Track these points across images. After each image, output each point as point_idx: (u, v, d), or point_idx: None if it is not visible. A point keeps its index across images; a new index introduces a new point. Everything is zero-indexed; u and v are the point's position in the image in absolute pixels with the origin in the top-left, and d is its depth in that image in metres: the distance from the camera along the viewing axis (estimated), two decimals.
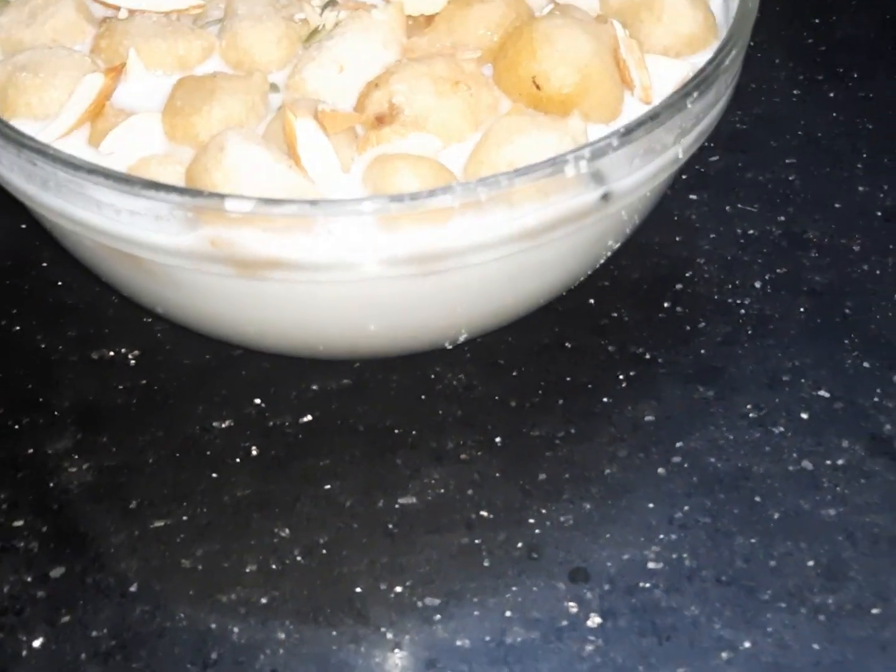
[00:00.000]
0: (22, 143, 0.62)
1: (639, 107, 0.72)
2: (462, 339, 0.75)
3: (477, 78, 0.70)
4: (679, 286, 0.87)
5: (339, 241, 0.61)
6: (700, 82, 0.66)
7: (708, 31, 0.74)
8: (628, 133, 0.63)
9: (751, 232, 0.91)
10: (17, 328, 0.84)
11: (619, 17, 0.75)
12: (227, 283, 0.65)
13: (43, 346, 0.83)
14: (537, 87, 0.69)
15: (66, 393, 0.80)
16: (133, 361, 0.82)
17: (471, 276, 0.66)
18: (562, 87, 0.68)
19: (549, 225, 0.64)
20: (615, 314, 0.85)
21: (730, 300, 0.86)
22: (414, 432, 0.77)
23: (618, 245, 0.75)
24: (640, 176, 0.66)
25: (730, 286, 0.87)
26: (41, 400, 0.80)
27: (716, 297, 0.87)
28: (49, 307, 0.85)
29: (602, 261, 0.75)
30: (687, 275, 0.88)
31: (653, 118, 0.64)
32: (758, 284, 0.87)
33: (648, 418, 0.78)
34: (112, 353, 0.82)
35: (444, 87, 0.68)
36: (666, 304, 0.86)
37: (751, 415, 0.78)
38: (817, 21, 1.14)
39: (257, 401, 0.79)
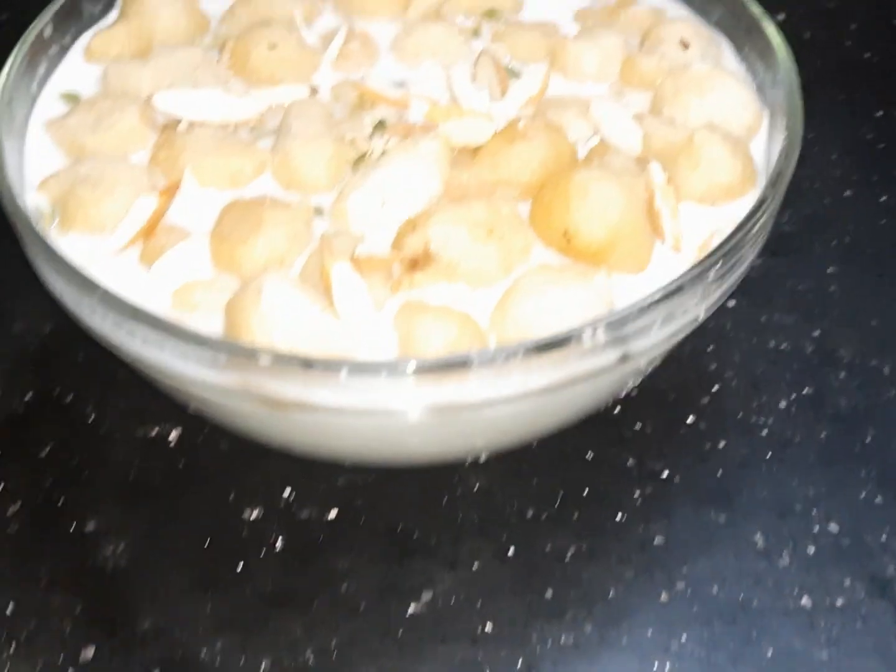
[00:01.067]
0: (88, 286, 0.66)
1: (668, 256, 0.74)
2: (482, 458, 0.78)
3: (512, 222, 0.73)
4: (705, 400, 0.90)
5: (363, 394, 0.64)
6: (727, 252, 0.68)
7: (745, 181, 0.76)
8: (649, 306, 0.66)
9: (783, 346, 0.93)
10: (69, 398, 0.89)
11: (660, 158, 0.77)
12: (256, 410, 0.69)
13: (92, 418, 0.88)
14: (568, 239, 0.71)
15: (109, 469, 0.85)
16: (173, 442, 0.86)
17: (488, 418, 0.69)
18: (591, 243, 0.71)
19: (567, 382, 0.67)
20: (639, 425, 0.88)
21: (753, 419, 0.88)
22: (432, 537, 0.81)
23: (637, 383, 0.77)
24: (659, 337, 0.68)
25: (755, 404, 0.89)
26: (86, 474, 0.84)
27: (740, 415, 0.89)
28: (101, 378, 0.90)
29: (621, 395, 0.78)
30: (714, 389, 0.90)
31: (677, 290, 0.67)
32: (783, 404, 0.89)
33: (658, 540, 0.81)
34: (155, 432, 0.87)
35: (479, 233, 0.71)
36: (690, 419, 0.88)
37: (758, 545, 0.81)
38: (880, 114, 1.13)
39: (287, 491, 0.84)
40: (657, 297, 0.66)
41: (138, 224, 0.73)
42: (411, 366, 0.63)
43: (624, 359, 0.68)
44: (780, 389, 0.90)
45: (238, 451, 0.86)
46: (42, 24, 0.85)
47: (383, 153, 0.77)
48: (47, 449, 0.85)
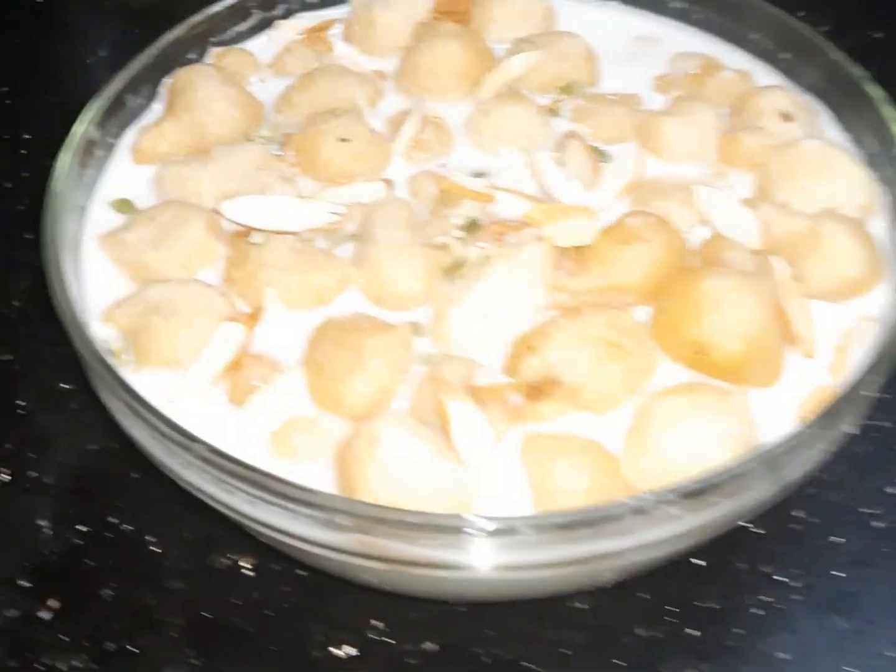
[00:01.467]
0: (185, 440, 0.60)
1: (801, 363, 0.68)
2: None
3: (635, 335, 0.66)
4: (812, 490, 0.83)
5: (504, 552, 0.58)
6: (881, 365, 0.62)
7: (873, 273, 0.70)
8: (808, 435, 0.60)
9: (885, 424, 0.87)
10: (129, 528, 0.81)
11: (781, 251, 0.71)
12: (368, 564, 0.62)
13: (156, 549, 0.80)
14: (700, 354, 0.65)
15: (181, 608, 0.77)
16: (249, 572, 0.79)
17: (625, 560, 0.63)
18: (727, 358, 0.64)
19: (721, 519, 0.61)
20: (745, 522, 0.81)
21: (861, 509, 0.82)
22: (540, 664, 0.74)
23: None
24: (807, 458, 0.62)
25: (861, 491, 0.83)
26: (155, 618, 0.77)
27: (850, 503, 0.82)
28: (159, 504, 0.82)
29: None
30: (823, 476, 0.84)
31: (832, 415, 0.60)
32: (890, 489, 0.83)
33: (782, 655, 0.75)
34: (227, 561, 0.80)
35: (601, 352, 0.64)
36: (798, 513, 0.82)
37: (887, 652, 0.74)
38: None
39: (377, 622, 0.77)
40: (816, 425, 0.60)
41: (224, 357, 0.66)
42: (558, 520, 0.56)
43: (779, 488, 0.61)
44: (887, 473, 0.83)
45: (321, 581, 0.78)
46: (87, 122, 0.77)
47: (482, 260, 0.70)
48: (109, 591, 0.77)
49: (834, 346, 0.68)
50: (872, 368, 0.63)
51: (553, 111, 0.82)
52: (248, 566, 0.79)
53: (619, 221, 0.71)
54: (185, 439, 0.60)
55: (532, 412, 0.63)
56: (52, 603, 0.77)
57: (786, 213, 0.72)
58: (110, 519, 0.81)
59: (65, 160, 0.74)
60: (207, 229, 0.73)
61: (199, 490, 0.62)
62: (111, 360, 0.66)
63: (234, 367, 0.67)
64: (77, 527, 0.81)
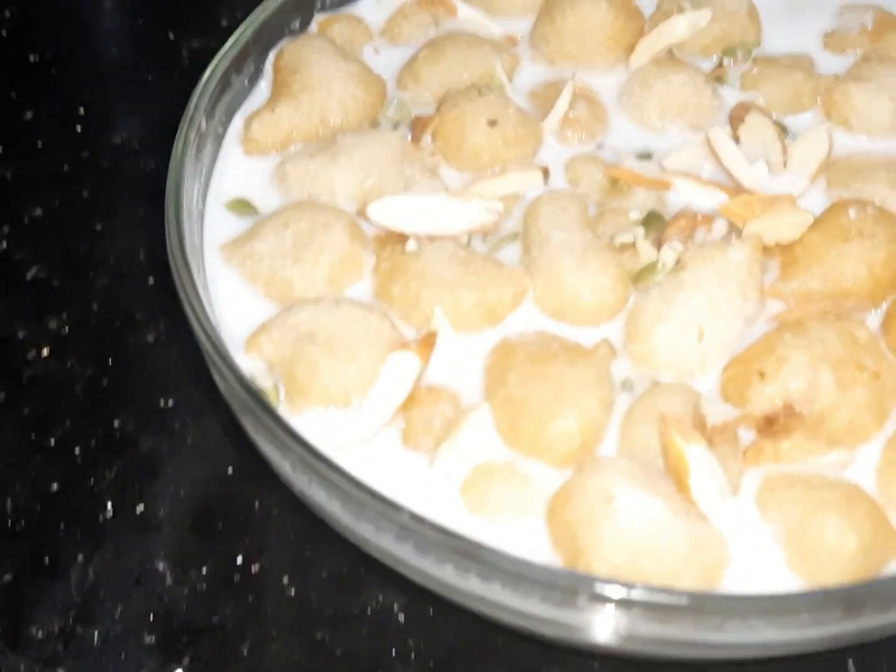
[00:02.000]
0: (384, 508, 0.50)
1: None
2: None
3: (874, 349, 0.57)
4: None
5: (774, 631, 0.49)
6: None
7: None
8: None
9: None
10: (259, 567, 0.72)
11: None
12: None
13: (293, 592, 0.71)
14: None
15: (333, 663, 0.68)
16: (402, 615, 0.70)
17: None
18: None
19: None
20: None
21: None
22: None
23: None
24: None
25: None
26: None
27: None
28: (290, 537, 0.73)
29: None
30: None
31: None
32: None
33: None
34: (375, 603, 0.70)
35: (846, 374, 0.55)
36: None
37: None
38: None
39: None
40: None
41: (400, 393, 0.56)
42: (844, 595, 0.47)
43: None
44: None
45: (484, 621, 0.69)
46: (196, 108, 0.66)
47: (677, 263, 0.60)
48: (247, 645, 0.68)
49: None
50: None
51: (719, 79, 0.72)
52: (400, 609, 0.70)
53: (832, 212, 0.61)
54: (382, 505, 0.50)
55: (774, 451, 0.53)
56: (185, 660, 0.67)
57: None
58: (237, 558, 0.71)
59: (181, 157, 0.63)
60: (352, 236, 0.63)
61: (395, 559, 0.52)
62: (268, 402, 0.56)
63: (409, 404, 0.57)
64: (202, 569, 0.71)
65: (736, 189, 0.65)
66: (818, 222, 0.61)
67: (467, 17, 0.75)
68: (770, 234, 0.61)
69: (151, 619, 0.69)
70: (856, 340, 0.56)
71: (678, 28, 0.71)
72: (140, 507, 0.74)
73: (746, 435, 0.56)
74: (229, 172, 0.68)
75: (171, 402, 0.77)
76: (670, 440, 0.53)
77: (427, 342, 0.58)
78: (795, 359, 0.55)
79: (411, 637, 0.69)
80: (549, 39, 0.73)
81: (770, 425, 0.55)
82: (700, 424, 0.54)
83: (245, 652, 0.68)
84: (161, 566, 0.71)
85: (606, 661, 0.67)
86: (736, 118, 0.68)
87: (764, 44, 0.75)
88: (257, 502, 0.74)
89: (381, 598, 0.70)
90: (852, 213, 0.60)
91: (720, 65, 0.73)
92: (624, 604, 0.47)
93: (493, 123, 0.67)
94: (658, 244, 0.62)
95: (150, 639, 0.68)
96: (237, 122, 0.71)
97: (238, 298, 0.62)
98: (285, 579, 0.71)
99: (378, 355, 0.58)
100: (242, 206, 0.66)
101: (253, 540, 0.72)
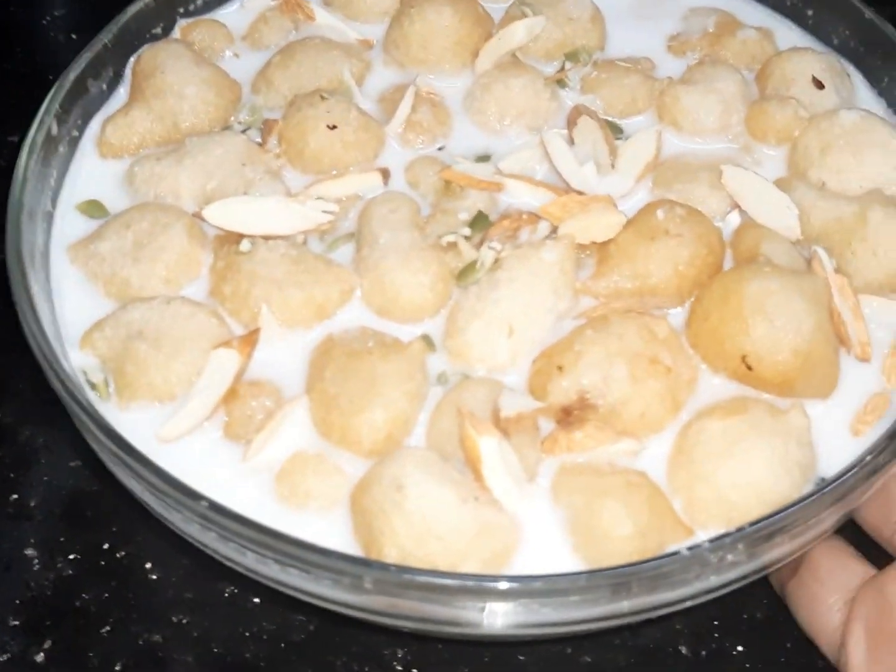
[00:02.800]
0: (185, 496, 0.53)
1: (855, 367, 0.62)
2: None
3: (673, 346, 0.60)
4: None
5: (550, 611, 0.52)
6: None
7: None
8: (875, 465, 0.54)
9: None
10: (124, 554, 0.75)
11: (824, 241, 0.64)
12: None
13: (156, 577, 0.74)
14: (748, 367, 0.59)
15: (189, 644, 0.71)
16: (259, 600, 0.73)
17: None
18: (779, 370, 0.58)
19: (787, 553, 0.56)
20: None
21: None
22: None
23: None
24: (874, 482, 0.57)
25: None
26: (161, 655, 0.71)
27: None
28: (156, 526, 0.75)
29: None
30: None
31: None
32: None
33: None
34: (234, 588, 0.73)
35: (640, 369, 0.58)
36: None
37: None
38: None
39: (402, 652, 0.71)
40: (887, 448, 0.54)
41: (219, 388, 0.59)
42: (607, 580, 0.50)
43: (845, 517, 0.56)
44: None
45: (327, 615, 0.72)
46: (49, 114, 0.69)
47: (496, 262, 0.63)
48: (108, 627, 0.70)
49: (889, 345, 0.62)
50: None
51: (561, 82, 0.75)
52: (255, 595, 0.73)
53: (644, 212, 0.64)
54: (183, 496, 0.53)
55: (567, 441, 0.57)
56: (47, 643, 0.70)
57: (825, 196, 0.66)
58: (104, 545, 0.74)
59: (26, 161, 0.66)
60: (190, 237, 0.66)
61: (205, 546, 0.55)
62: (92, 396, 0.59)
63: (230, 397, 0.60)
64: (69, 556, 0.74)
65: (566, 190, 0.68)
66: (631, 222, 0.64)
67: (325, 22, 0.78)
68: (585, 234, 0.64)
69: (18, 603, 0.71)
70: (654, 336, 0.59)
71: (517, 34, 0.74)
72: (14, 496, 0.76)
73: (549, 426, 0.59)
74: (84, 175, 0.71)
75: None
76: (465, 432, 0.56)
77: (248, 340, 0.61)
78: (591, 353, 0.58)
79: (265, 621, 0.72)
80: (398, 44, 0.76)
81: (566, 416, 0.58)
82: (496, 417, 0.57)
83: (105, 634, 0.71)
84: (30, 553, 0.74)
85: (449, 645, 0.70)
86: (571, 121, 0.71)
87: (609, 48, 0.78)
88: (125, 493, 0.77)
89: (237, 585, 0.72)
90: (660, 213, 0.63)
91: (562, 69, 0.75)
92: (383, 585, 0.50)
93: (332, 127, 0.69)
94: (481, 244, 0.64)
95: (14, 622, 0.71)
96: (95, 125, 0.73)
97: (80, 297, 0.65)
98: (148, 565, 0.74)
99: (203, 352, 0.60)
100: (94, 208, 0.69)
101: (120, 528, 0.75)
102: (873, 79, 0.74)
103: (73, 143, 0.72)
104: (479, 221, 0.66)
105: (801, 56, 0.73)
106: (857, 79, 0.75)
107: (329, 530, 0.56)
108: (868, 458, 0.54)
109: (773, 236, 0.64)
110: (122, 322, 0.62)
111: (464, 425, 0.56)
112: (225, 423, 0.60)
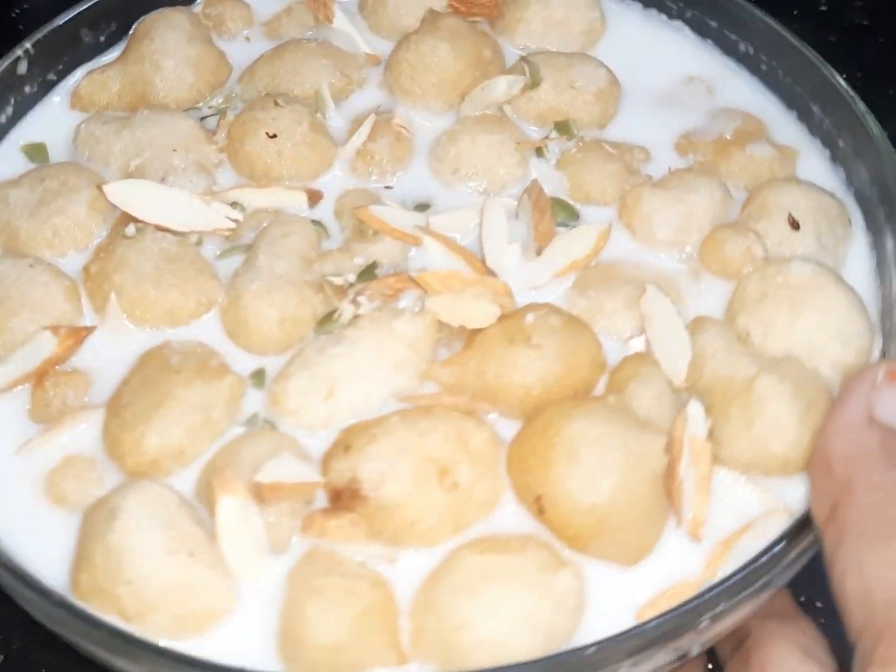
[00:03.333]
0: None
1: (679, 543, 0.55)
2: None
3: (481, 460, 0.55)
4: None
5: None
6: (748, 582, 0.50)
7: (802, 458, 0.56)
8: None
9: None
10: None
11: (708, 396, 0.57)
12: None
13: None
14: (540, 509, 0.53)
15: None
16: None
17: None
18: (568, 524, 0.53)
19: None
20: None
21: None
22: None
23: None
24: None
25: None
26: None
27: None
28: None
29: None
30: None
31: (672, 629, 0.49)
32: None
33: None
34: None
35: (426, 474, 0.54)
36: None
37: None
38: None
39: None
40: (634, 635, 0.48)
41: (24, 366, 0.59)
42: None
43: None
44: None
45: None
46: (18, 52, 0.70)
47: (355, 318, 0.60)
48: None
49: (730, 532, 0.55)
50: (750, 579, 0.50)
51: (539, 150, 0.69)
52: None
53: (519, 312, 0.59)
54: None
55: (321, 526, 0.53)
56: None
57: (732, 349, 0.59)
58: None
59: None
60: (91, 207, 0.65)
61: None
62: None
63: (39, 380, 0.59)
64: None
65: (481, 263, 0.64)
66: (506, 317, 0.59)
67: (341, 27, 0.75)
68: (454, 315, 0.60)
69: None
70: (464, 445, 0.55)
71: (497, 87, 0.69)
72: None
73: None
74: (45, 119, 0.72)
75: None
76: (211, 484, 0.53)
77: (74, 334, 0.60)
78: (383, 442, 0.54)
79: None
80: (392, 69, 0.73)
81: (336, 499, 0.54)
82: (259, 485, 0.54)
83: None
84: None
85: None
86: (525, 194, 0.66)
87: (612, 127, 0.72)
88: None
89: None
90: (530, 317, 0.58)
91: (547, 136, 0.70)
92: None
93: (272, 136, 0.67)
94: (355, 294, 0.61)
95: None
96: (78, 75, 0.74)
97: None
98: None
99: (36, 325, 0.60)
100: (36, 152, 0.70)
101: None
102: (877, 237, 0.65)
103: (47, 87, 0.73)
104: (366, 273, 0.62)
105: (791, 188, 0.65)
106: (860, 231, 0.66)
107: (56, 536, 0.55)
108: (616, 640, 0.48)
109: (651, 377, 0.58)
110: None
111: (212, 478, 0.53)
112: (31, 403, 0.59)
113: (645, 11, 0.77)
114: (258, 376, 0.60)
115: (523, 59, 0.71)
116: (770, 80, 0.74)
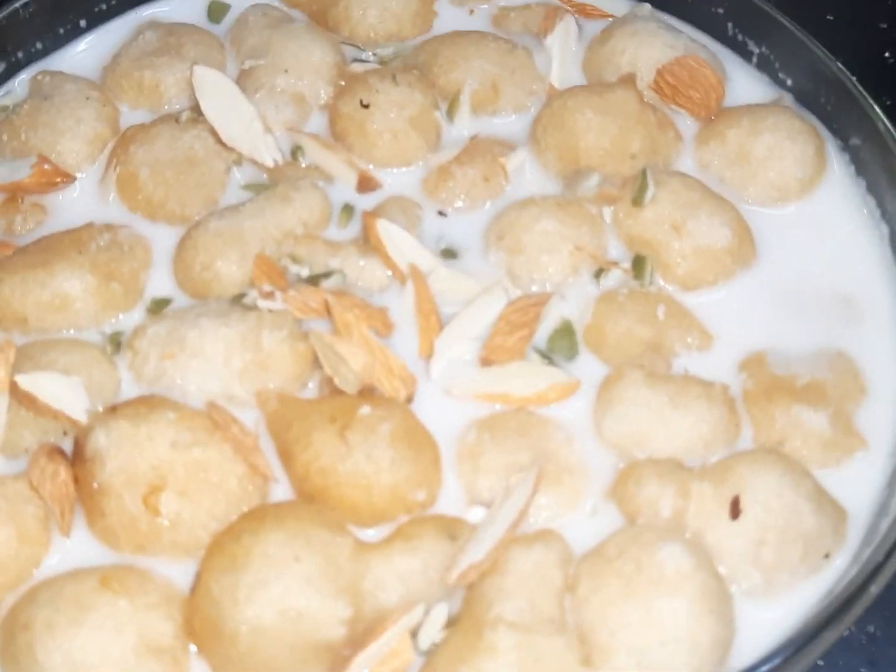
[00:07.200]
0: None
1: None
2: None
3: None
4: None
5: None
6: None
7: None
8: None
9: None
10: None
11: None
12: None
13: None
14: None
15: None
16: None
17: None
18: None
19: None
20: None
21: None
22: None
23: None
24: None
25: None
26: None
27: None
28: None
29: None
30: None
31: None
32: None
33: None
34: None
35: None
36: None
37: None
38: None
39: None
40: None
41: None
42: None
43: None
44: None
45: None
46: None
47: (254, 307, 0.57)
48: None
49: None
50: None
51: (598, 273, 0.61)
52: None
53: (369, 398, 0.53)
54: None
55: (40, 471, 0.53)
56: None
57: None
58: None
59: None
60: (183, 79, 0.67)
61: None
62: None
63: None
64: None
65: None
66: (360, 395, 0.54)
67: (552, 45, 0.69)
68: (329, 364, 0.56)
69: None
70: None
71: (591, 179, 0.61)
72: None
73: None
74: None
75: None
76: None
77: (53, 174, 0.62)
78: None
79: None
80: (541, 118, 0.66)
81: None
82: None
83: None
84: None
85: None
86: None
87: (699, 297, 0.61)
88: None
89: None
90: (365, 409, 0.53)
91: (616, 263, 0.61)
92: None
93: (365, 105, 0.65)
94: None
95: None
96: None
97: None
98: None
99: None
100: (216, 9, 0.73)
101: None
102: None
103: None
104: (314, 278, 0.59)
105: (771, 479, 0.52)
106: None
107: None
108: None
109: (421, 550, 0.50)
110: None
111: None
112: None
113: None
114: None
115: (644, 171, 0.61)
116: None
